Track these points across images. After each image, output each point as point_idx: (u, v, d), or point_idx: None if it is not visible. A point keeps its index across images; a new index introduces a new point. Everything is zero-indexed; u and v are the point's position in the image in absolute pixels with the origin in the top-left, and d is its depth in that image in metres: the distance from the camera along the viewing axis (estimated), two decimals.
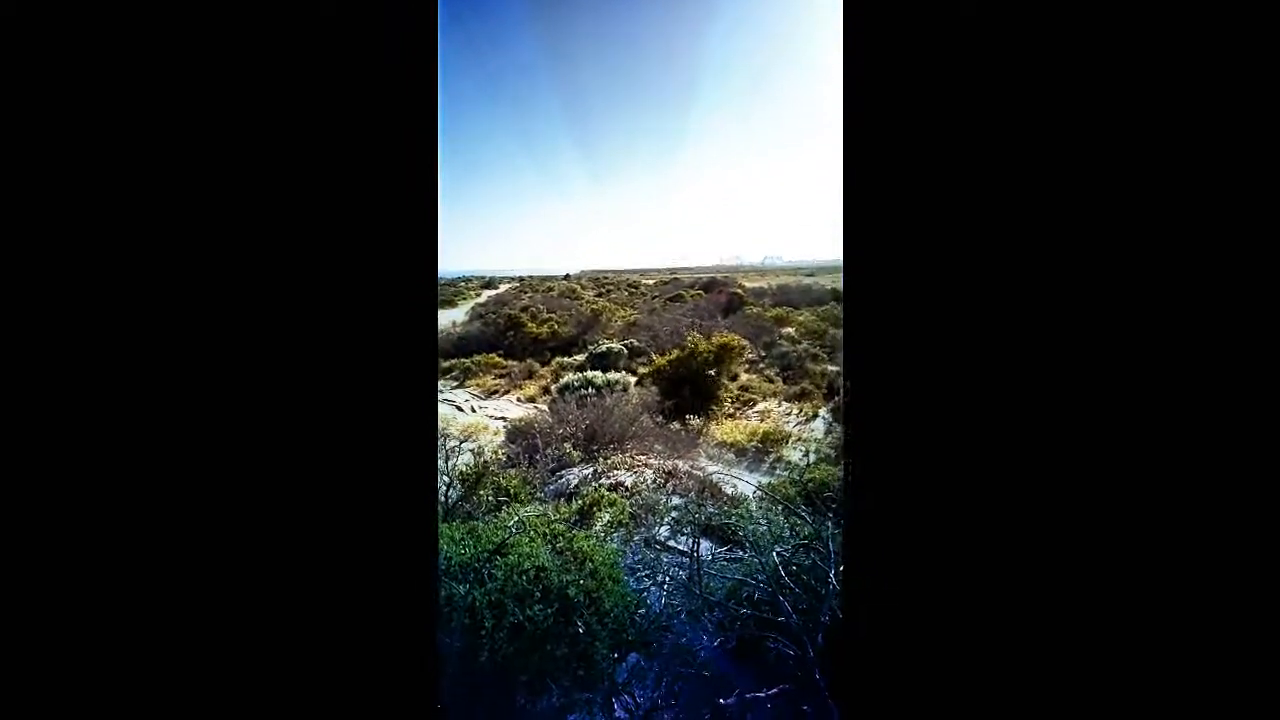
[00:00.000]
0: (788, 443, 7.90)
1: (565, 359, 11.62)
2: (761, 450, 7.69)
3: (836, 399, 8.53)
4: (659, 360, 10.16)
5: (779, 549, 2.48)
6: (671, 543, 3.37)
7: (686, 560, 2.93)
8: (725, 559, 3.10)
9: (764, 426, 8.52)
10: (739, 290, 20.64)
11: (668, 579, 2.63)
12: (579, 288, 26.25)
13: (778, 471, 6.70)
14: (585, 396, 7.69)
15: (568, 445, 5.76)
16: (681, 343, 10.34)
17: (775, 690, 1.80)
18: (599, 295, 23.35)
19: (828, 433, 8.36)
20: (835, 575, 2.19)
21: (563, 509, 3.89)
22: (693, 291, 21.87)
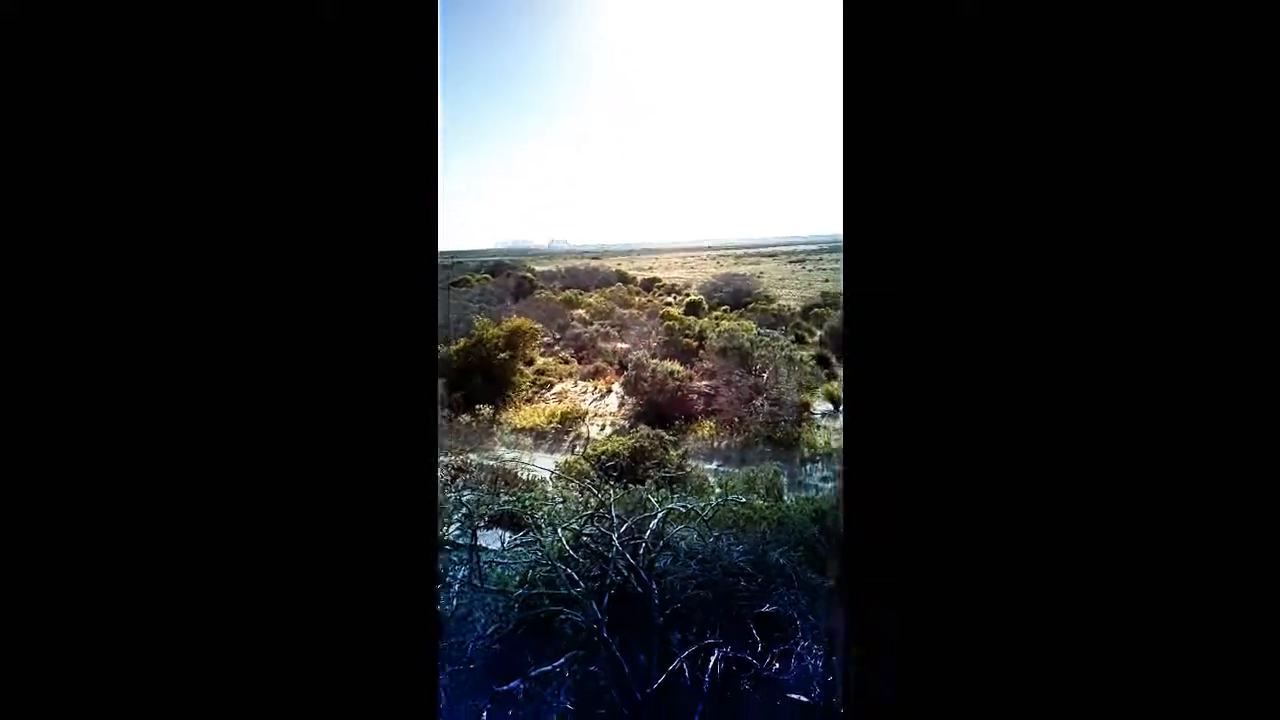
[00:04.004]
0: (585, 419, 8.20)
1: None
2: (561, 430, 7.84)
3: (626, 373, 9.11)
4: (445, 349, 9.48)
5: (567, 525, 2.54)
6: (462, 540, 3.19)
7: (480, 557, 2.81)
8: (520, 544, 3.06)
9: (562, 407, 8.67)
10: (528, 274, 20.46)
11: (456, 581, 2.49)
12: None
13: (577, 449, 6.91)
14: None
15: None
16: (469, 329, 9.80)
17: (562, 660, 1.85)
18: None
19: (620, 405, 8.92)
20: (618, 538, 2.33)
21: None
22: (478, 276, 20.90)
